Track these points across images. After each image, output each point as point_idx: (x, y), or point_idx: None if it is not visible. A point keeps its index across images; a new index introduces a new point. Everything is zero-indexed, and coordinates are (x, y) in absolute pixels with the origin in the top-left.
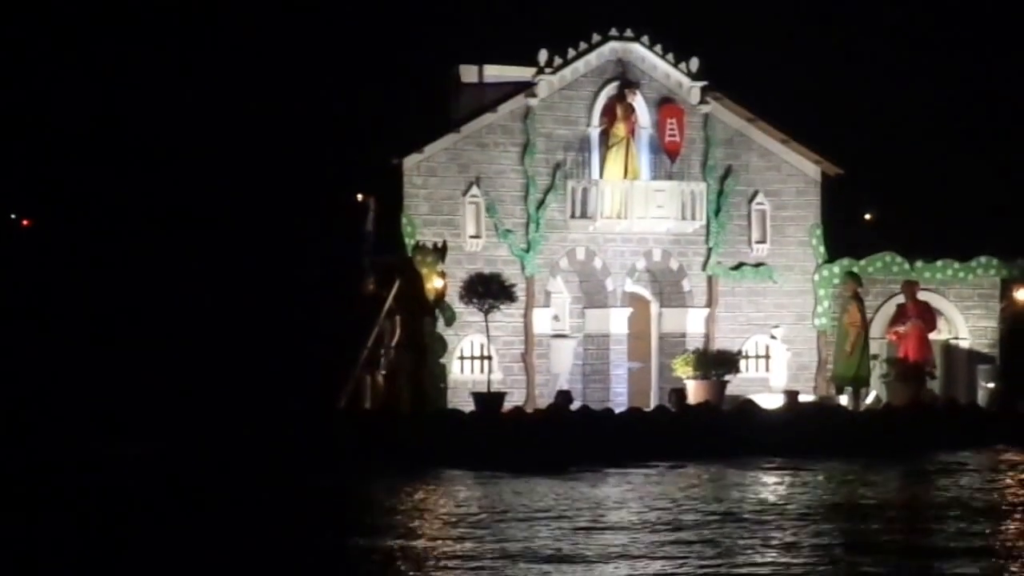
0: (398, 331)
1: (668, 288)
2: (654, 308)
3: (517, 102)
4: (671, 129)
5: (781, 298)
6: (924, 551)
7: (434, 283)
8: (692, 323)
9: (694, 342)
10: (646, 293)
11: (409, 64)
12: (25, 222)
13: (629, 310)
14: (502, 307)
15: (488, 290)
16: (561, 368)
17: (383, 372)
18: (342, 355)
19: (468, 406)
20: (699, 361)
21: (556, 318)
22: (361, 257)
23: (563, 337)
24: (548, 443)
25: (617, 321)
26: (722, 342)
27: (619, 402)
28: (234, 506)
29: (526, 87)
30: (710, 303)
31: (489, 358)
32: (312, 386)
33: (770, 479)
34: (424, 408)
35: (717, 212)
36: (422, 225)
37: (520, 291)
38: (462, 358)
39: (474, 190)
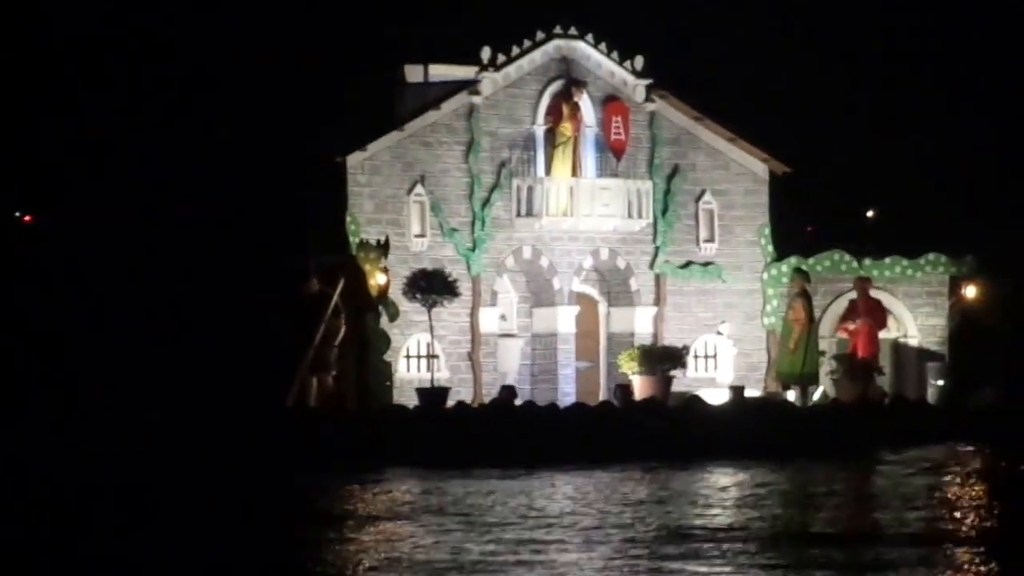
0: (343, 329)
1: (616, 287)
2: (602, 307)
3: (461, 100)
4: (616, 127)
5: (730, 297)
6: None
7: (377, 279)
8: (640, 322)
9: (643, 341)
10: (594, 292)
11: (354, 64)
12: None
13: (577, 309)
14: (446, 303)
15: (431, 285)
16: (509, 367)
17: (333, 372)
18: (288, 355)
19: (414, 404)
20: (644, 357)
21: (503, 317)
22: (306, 256)
23: (510, 336)
24: (492, 438)
25: (564, 320)
26: (671, 342)
27: (567, 402)
28: (174, 508)
29: (470, 85)
30: (658, 302)
31: (435, 356)
32: (258, 386)
33: (711, 477)
34: (369, 405)
35: (664, 211)
36: (366, 224)
37: (466, 290)
38: (408, 357)
39: (419, 189)
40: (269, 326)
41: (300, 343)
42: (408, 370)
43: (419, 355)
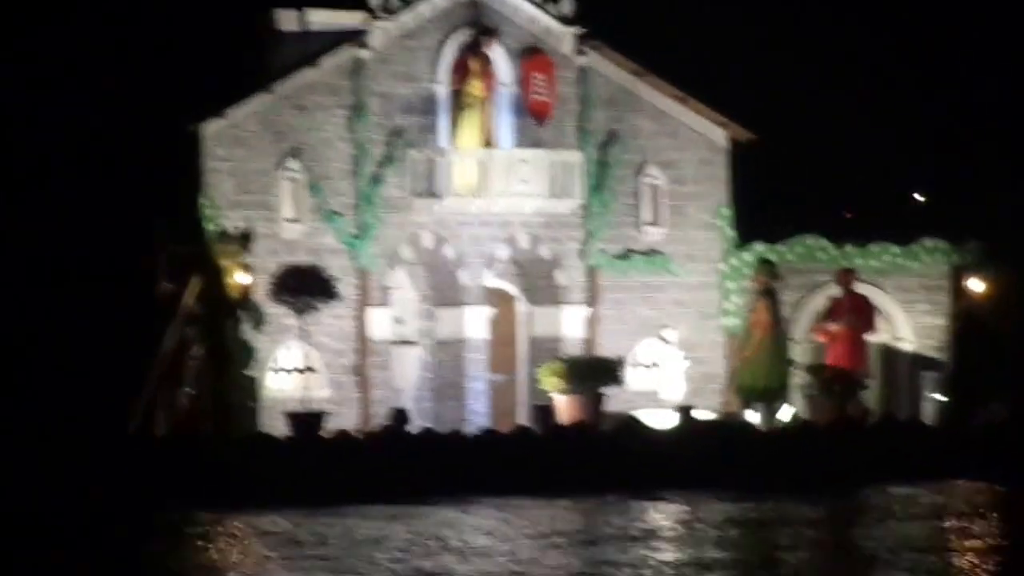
0: (198, 338)
1: (538, 282)
2: (521, 306)
3: (344, 55)
4: (538, 86)
5: (681, 293)
6: None
7: (237, 278)
8: (569, 324)
9: (572, 348)
10: (511, 288)
11: (214, 7)
12: None
13: (489, 309)
14: (322, 307)
15: (303, 285)
16: (405, 382)
17: (188, 390)
18: (133, 369)
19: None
20: (570, 371)
21: (398, 320)
22: (154, 250)
23: (407, 344)
24: (379, 473)
25: (474, 323)
26: (607, 348)
27: (477, 422)
28: None
29: (356, 36)
30: (591, 300)
31: (311, 370)
32: (96, 407)
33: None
34: (229, 430)
35: (598, 188)
36: (227, 207)
37: (351, 288)
38: (279, 370)
39: (292, 163)
40: (110, 334)
41: (148, 355)
42: (279, 386)
43: (293, 368)
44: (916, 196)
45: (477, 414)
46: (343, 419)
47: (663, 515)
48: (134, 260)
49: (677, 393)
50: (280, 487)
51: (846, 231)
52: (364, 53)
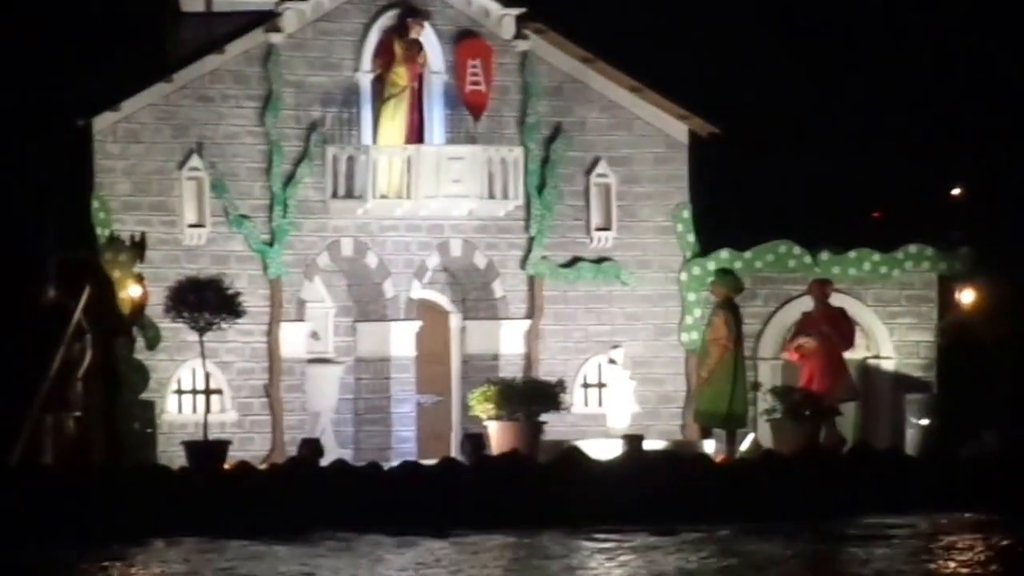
0: (88, 356)
1: (473, 293)
2: (454, 321)
3: (253, 39)
4: (474, 74)
5: (635, 305)
6: None
7: (129, 291)
8: (508, 341)
9: (512, 366)
10: (442, 300)
11: None
12: None
13: (418, 324)
14: (224, 323)
15: (202, 300)
16: (323, 405)
17: (75, 413)
18: (15, 390)
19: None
20: (504, 395)
21: (315, 336)
22: (41, 254)
23: (325, 362)
24: (284, 510)
25: (401, 339)
26: (551, 366)
27: (404, 450)
28: None
29: (267, 18)
30: (532, 313)
31: (216, 392)
32: None
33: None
34: (119, 461)
35: (541, 188)
36: (121, 210)
37: (261, 299)
38: (181, 392)
39: (195, 161)
40: None
41: (32, 374)
42: (180, 410)
43: (196, 390)
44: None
45: (403, 440)
46: (252, 445)
47: (602, 556)
48: (18, 268)
49: (624, 420)
50: (174, 523)
51: (821, 236)
52: (276, 37)
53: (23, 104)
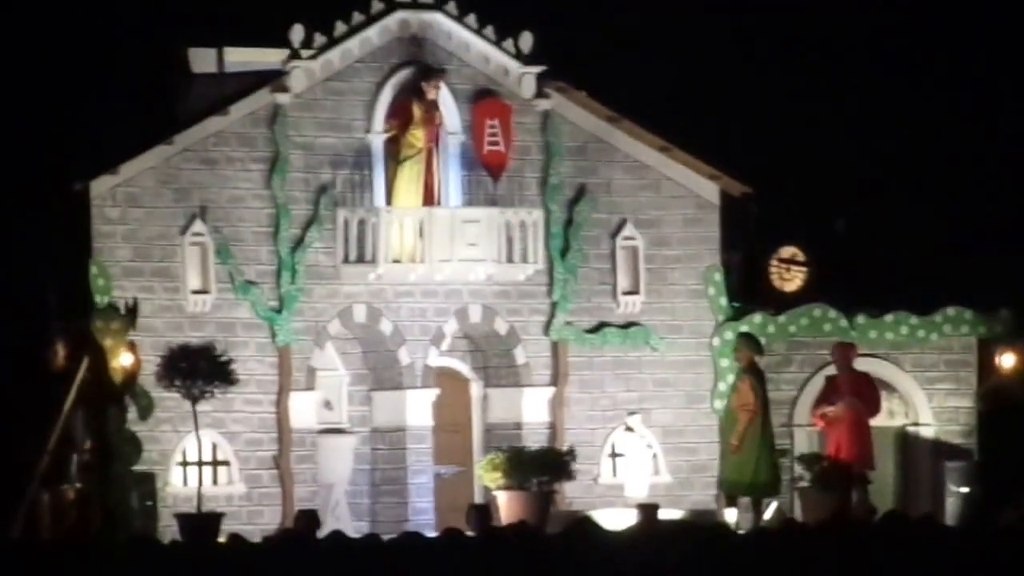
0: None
1: (495, 360)
2: (475, 389)
3: (259, 100)
4: (492, 134)
5: (664, 371)
6: None
7: (121, 360)
8: (531, 408)
9: (535, 435)
10: (462, 368)
11: (118, 47)
12: None
13: (435, 392)
14: (218, 391)
15: (194, 368)
16: (336, 476)
17: (75, 485)
18: (16, 461)
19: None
20: (513, 463)
21: (328, 405)
22: (46, 324)
23: (337, 432)
24: None
25: (417, 408)
26: (577, 435)
27: (421, 522)
28: None
29: (274, 78)
30: (556, 380)
31: (223, 464)
32: None
33: None
34: (112, 534)
35: (564, 251)
36: (122, 276)
37: (268, 368)
38: (186, 464)
39: (198, 226)
40: None
41: (31, 446)
42: (185, 483)
43: (202, 461)
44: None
45: (421, 512)
46: (261, 519)
47: None
48: (21, 337)
49: (643, 489)
50: None
51: (857, 300)
52: (283, 98)
53: (26, 168)
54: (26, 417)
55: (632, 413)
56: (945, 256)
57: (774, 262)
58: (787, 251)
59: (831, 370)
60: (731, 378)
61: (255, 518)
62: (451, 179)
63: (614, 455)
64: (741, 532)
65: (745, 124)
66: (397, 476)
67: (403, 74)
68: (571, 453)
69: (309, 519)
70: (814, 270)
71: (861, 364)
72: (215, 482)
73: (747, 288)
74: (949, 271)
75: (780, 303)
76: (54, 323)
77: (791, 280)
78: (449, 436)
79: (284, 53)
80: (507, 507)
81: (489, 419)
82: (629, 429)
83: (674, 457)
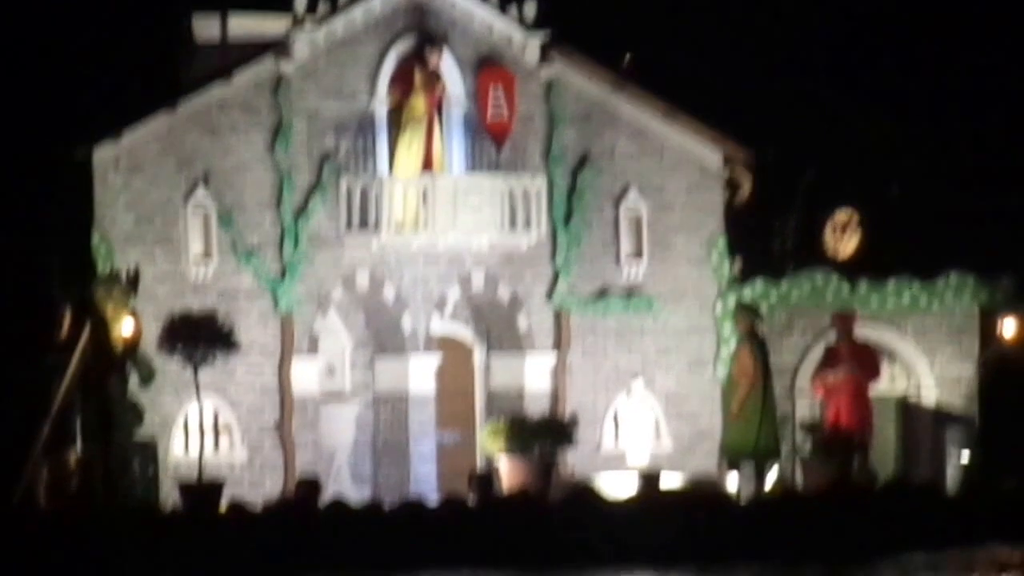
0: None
1: (497, 327)
2: (478, 355)
3: (263, 68)
4: (496, 102)
5: (667, 338)
6: None
7: (122, 328)
8: (534, 375)
9: (537, 402)
10: (466, 334)
11: (122, 17)
12: None
13: (437, 358)
14: (222, 358)
15: (195, 334)
16: (338, 442)
17: (76, 454)
18: (18, 430)
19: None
20: (515, 431)
21: (330, 372)
22: (51, 295)
23: (340, 399)
24: (276, 552)
25: (419, 374)
26: (579, 402)
27: (424, 489)
28: None
29: (277, 46)
30: (559, 346)
31: (224, 431)
32: None
33: None
34: (112, 502)
35: (567, 218)
36: (123, 244)
37: (270, 335)
38: (187, 431)
39: (200, 193)
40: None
41: (33, 414)
42: (187, 451)
43: (202, 429)
44: None
45: (423, 479)
46: (263, 487)
47: None
48: (25, 306)
49: (644, 455)
50: (165, 567)
51: (858, 267)
52: (286, 66)
53: (29, 135)
54: (28, 386)
55: (635, 376)
56: (948, 223)
57: (829, 226)
58: (842, 214)
59: (832, 338)
60: (734, 345)
61: (257, 486)
62: (455, 147)
63: (616, 422)
64: (742, 501)
65: (753, 89)
66: (399, 442)
67: (406, 42)
68: (573, 421)
69: (310, 487)
70: (868, 233)
71: (862, 331)
72: (216, 449)
73: (804, 251)
74: (952, 238)
75: (836, 266)
76: (57, 292)
77: (846, 243)
78: (452, 403)
79: (288, 21)
80: (509, 474)
81: (492, 386)
82: (628, 393)
83: (676, 424)
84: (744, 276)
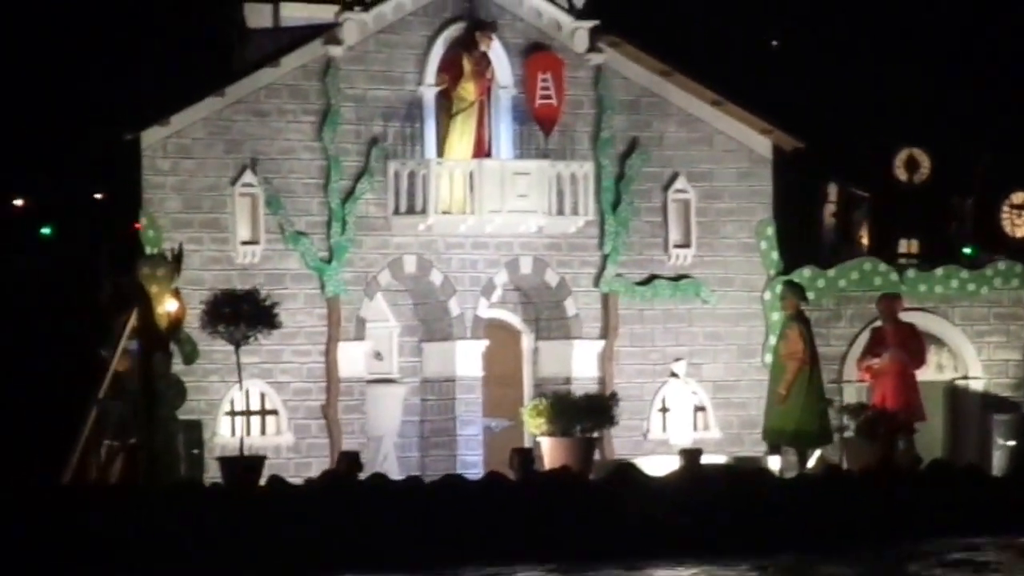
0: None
1: (546, 312)
2: (526, 341)
3: (311, 52)
4: (545, 88)
5: (715, 324)
6: None
7: (166, 306)
8: (581, 362)
9: (585, 389)
10: (514, 319)
11: (177, 3)
12: None
13: (484, 343)
14: (261, 337)
15: (237, 312)
16: (385, 427)
17: (117, 438)
18: (67, 410)
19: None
20: (556, 410)
21: (377, 356)
22: (98, 279)
23: (387, 383)
24: (315, 527)
25: (467, 359)
26: (626, 388)
27: (471, 475)
28: None
29: (326, 31)
30: (607, 333)
31: (271, 413)
32: (28, 452)
33: None
34: (155, 480)
35: (616, 204)
36: (172, 227)
37: (317, 318)
38: (234, 413)
39: (248, 177)
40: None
41: (83, 394)
42: (233, 433)
43: (250, 411)
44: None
45: (469, 464)
46: (309, 470)
47: None
48: (72, 292)
49: (686, 437)
50: (204, 541)
51: (905, 254)
52: (335, 50)
53: (79, 118)
54: (78, 367)
55: (678, 359)
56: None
57: (1006, 208)
58: (1019, 196)
59: (878, 323)
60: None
61: (303, 469)
62: (503, 133)
63: (664, 409)
64: (784, 478)
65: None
66: (446, 427)
67: (455, 27)
68: (614, 398)
69: (351, 461)
70: None
71: (910, 317)
72: (263, 432)
73: (982, 234)
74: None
75: (1013, 248)
76: (106, 276)
77: (1022, 225)
78: (500, 389)
79: (331, 7)
80: (551, 453)
81: (539, 373)
82: (674, 375)
83: (724, 411)
84: (791, 263)
